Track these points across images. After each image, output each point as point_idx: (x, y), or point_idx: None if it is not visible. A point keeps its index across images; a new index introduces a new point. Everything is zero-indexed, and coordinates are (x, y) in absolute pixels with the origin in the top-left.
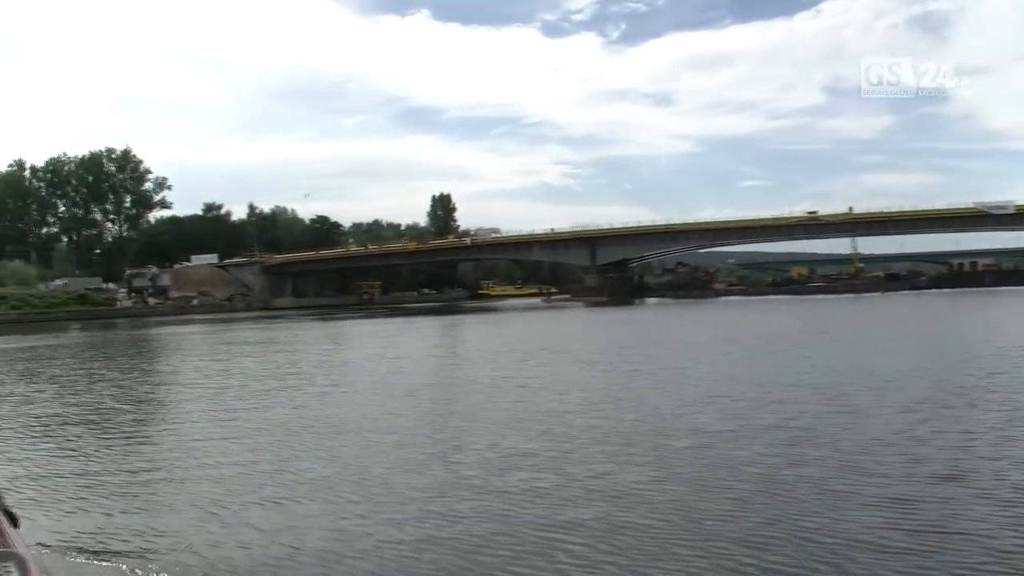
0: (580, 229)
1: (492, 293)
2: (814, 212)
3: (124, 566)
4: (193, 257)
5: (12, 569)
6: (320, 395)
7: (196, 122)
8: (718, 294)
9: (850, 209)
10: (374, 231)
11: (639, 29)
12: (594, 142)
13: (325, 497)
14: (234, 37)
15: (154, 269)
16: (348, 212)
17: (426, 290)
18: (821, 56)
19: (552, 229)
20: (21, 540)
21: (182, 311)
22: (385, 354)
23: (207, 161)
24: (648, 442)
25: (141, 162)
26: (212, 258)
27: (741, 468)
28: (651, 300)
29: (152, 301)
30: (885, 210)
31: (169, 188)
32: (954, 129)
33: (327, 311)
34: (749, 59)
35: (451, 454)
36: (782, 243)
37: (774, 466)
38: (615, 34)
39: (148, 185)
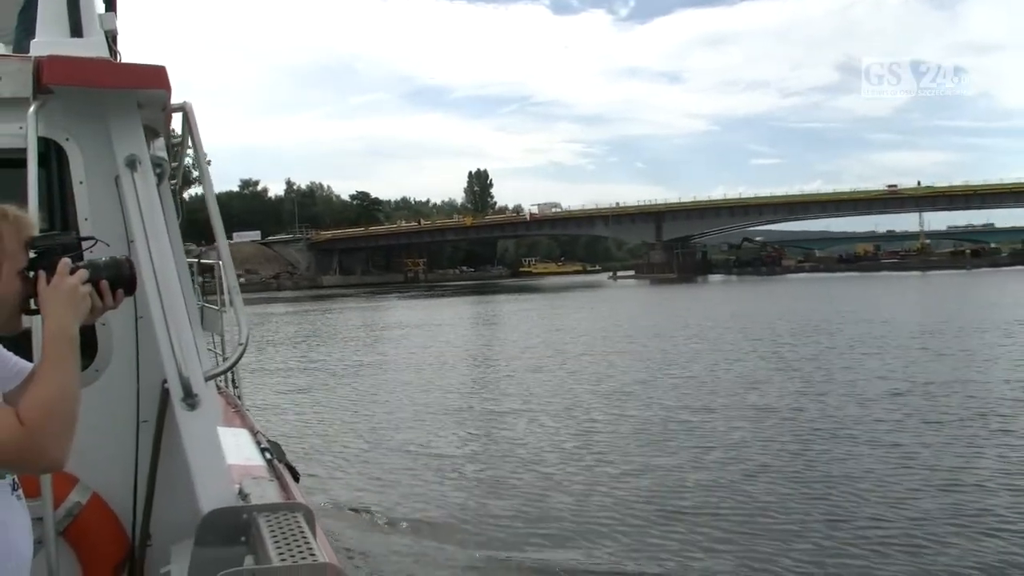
0: (647, 204)
1: (534, 271)
2: (894, 185)
3: (380, 520)
4: (235, 234)
5: (300, 519)
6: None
7: (213, 102)
8: (787, 271)
9: (918, 183)
10: (412, 208)
11: (648, 6)
12: (605, 120)
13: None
14: (248, 18)
15: (193, 247)
16: (370, 191)
17: (464, 268)
18: (833, 33)
19: (617, 203)
20: (302, 493)
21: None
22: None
23: (227, 141)
24: None
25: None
26: (255, 235)
27: None
28: (715, 277)
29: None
30: (969, 183)
31: (208, 163)
32: (970, 107)
33: (380, 289)
34: (761, 37)
35: None
36: (813, 221)
37: None
38: (624, 11)
39: (187, 161)
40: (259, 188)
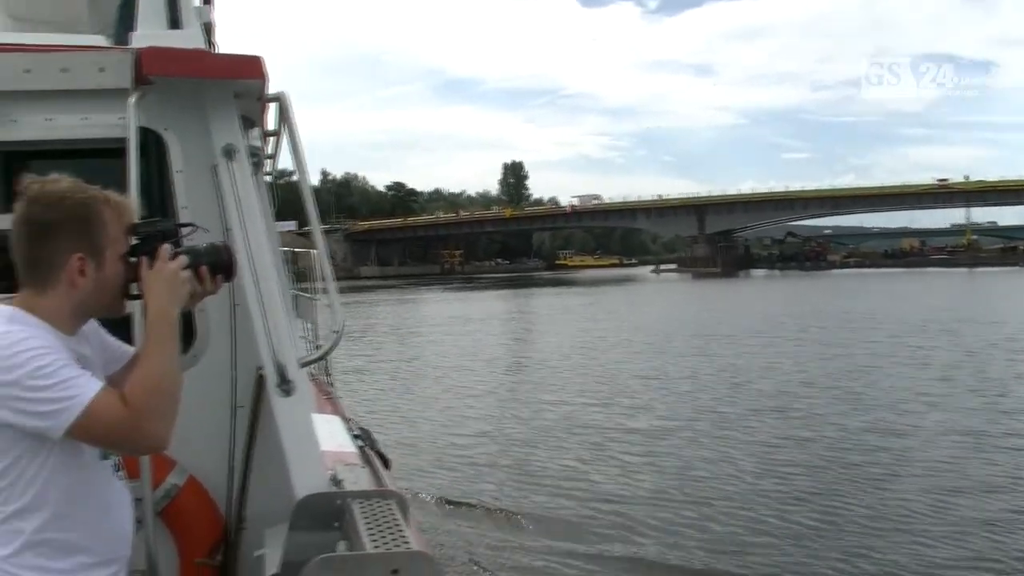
0: (689, 196)
1: (570, 264)
2: (944, 179)
3: (470, 510)
4: None
5: (394, 507)
6: None
7: None
8: (832, 266)
9: (966, 178)
10: (447, 199)
11: None
12: (634, 113)
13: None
14: (278, 10)
15: None
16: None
17: (500, 260)
18: (864, 26)
19: (659, 195)
20: (392, 481)
21: None
22: None
23: None
24: None
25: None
26: (290, 225)
27: None
28: (758, 272)
29: None
30: (1021, 178)
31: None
32: (1002, 101)
33: (419, 280)
34: (791, 29)
35: None
36: (847, 216)
37: None
38: (653, 3)
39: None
40: (294, 178)
